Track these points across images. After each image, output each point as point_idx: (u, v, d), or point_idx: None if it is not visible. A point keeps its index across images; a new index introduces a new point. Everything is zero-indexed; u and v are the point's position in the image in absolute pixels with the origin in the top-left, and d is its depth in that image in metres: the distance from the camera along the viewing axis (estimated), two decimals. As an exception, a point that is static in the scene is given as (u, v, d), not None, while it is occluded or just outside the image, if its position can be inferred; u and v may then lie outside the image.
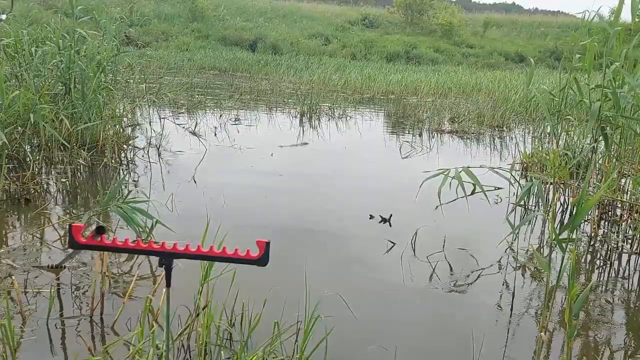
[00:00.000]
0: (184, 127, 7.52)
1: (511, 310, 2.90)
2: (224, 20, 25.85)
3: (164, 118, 7.71)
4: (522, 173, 5.77)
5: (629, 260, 3.73)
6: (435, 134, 8.44)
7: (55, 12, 7.07)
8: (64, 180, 4.77)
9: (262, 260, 1.36)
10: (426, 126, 9.06)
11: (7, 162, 4.41)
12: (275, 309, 2.45)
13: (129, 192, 4.28)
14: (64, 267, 2.97)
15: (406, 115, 10.31)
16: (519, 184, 4.81)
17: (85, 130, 5.36)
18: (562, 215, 4.62)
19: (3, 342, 2.05)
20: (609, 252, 3.91)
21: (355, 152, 6.99)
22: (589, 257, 3.85)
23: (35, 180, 4.47)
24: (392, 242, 3.72)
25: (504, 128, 9.11)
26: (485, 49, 26.63)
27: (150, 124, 6.89)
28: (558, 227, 3.32)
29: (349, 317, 2.65)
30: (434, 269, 3.35)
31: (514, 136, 8.58)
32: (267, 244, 1.36)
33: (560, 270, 2.48)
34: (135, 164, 5.51)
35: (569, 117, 5.03)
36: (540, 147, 6.04)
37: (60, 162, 5.19)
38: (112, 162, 5.36)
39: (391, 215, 4.17)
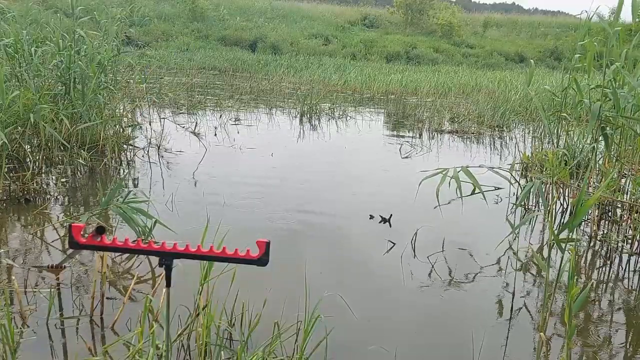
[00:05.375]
0: (184, 127, 7.52)
1: (511, 310, 2.90)
2: (224, 20, 25.82)
3: (164, 118, 7.71)
4: (522, 173, 5.77)
5: (629, 260, 3.73)
6: (435, 134, 8.43)
7: (55, 12, 7.07)
8: (64, 180, 4.77)
9: (262, 260, 1.36)
10: (426, 126, 9.06)
11: (7, 162, 4.41)
12: (275, 309, 2.45)
13: (129, 192, 4.28)
14: (64, 267, 2.97)
15: (406, 115, 10.31)
16: (519, 184, 4.82)
17: (85, 130, 5.36)
18: (562, 216, 4.62)
19: (3, 342, 2.05)
20: (609, 252, 3.91)
21: (355, 152, 6.99)
22: (589, 257, 3.85)
23: (35, 180, 4.47)
24: (392, 242, 3.72)
25: (504, 128, 9.11)
26: (485, 49, 26.58)
27: (150, 124, 6.89)
28: (558, 227, 3.32)
29: (349, 317, 2.65)
30: (433, 269, 3.35)
31: (514, 136, 8.58)
32: (267, 244, 1.36)
33: (559, 270, 2.49)
34: (135, 164, 5.51)
35: (564, 115, 5.01)
36: (541, 148, 6.04)
37: (60, 162, 5.19)
38: (112, 162, 5.36)
39: (391, 215, 4.17)
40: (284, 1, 31.49)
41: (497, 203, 4.78)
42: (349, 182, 5.45)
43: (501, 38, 29.52)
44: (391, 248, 3.65)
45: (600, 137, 4.31)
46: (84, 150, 5.20)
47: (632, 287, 3.36)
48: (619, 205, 4.47)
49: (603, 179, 4.40)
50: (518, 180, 5.03)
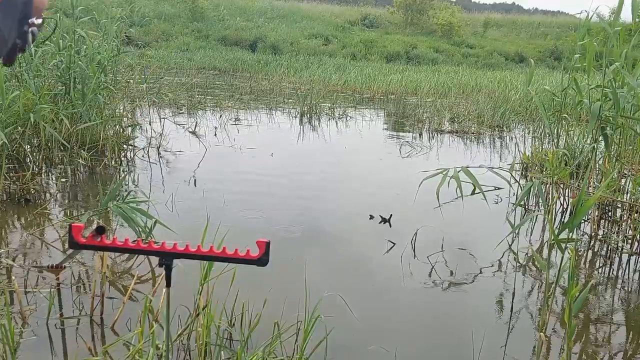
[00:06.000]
0: (184, 127, 7.52)
1: (511, 310, 2.90)
2: (224, 20, 25.82)
3: (164, 118, 7.71)
4: (522, 173, 5.77)
5: (629, 260, 3.73)
6: (435, 134, 8.44)
7: (55, 12, 7.06)
8: (64, 180, 4.77)
9: (262, 260, 1.36)
10: (426, 126, 9.06)
11: (7, 162, 4.41)
12: (275, 309, 2.45)
13: (129, 192, 4.28)
14: (64, 267, 2.97)
15: (406, 115, 10.31)
16: (519, 184, 4.82)
17: (85, 130, 5.36)
18: (562, 216, 4.62)
19: (3, 342, 2.05)
20: (609, 252, 3.91)
21: (355, 152, 6.99)
22: (589, 257, 3.85)
23: (35, 180, 4.47)
24: (392, 242, 3.72)
25: (504, 128, 9.11)
26: (485, 49, 26.60)
27: (150, 124, 6.90)
28: (558, 227, 3.32)
29: (349, 317, 2.65)
30: (434, 269, 3.35)
31: (514, 136, 8.58)
32: (267, 244, 1.35)
33: (559, 270, 2.48)
34: (135, 164, 5.51)
35: (565, 115, 5.01)
36: (541, 148, 6.04)
37: (60, 162, 5.19)
38: (112, 162, 5.36)
39: (391, 215, 4.17)
40: (284, 1, 31.49)
41: (497, 203, 4.78)
42: (349, 182, 5.45)
43: (501, 38, 29.55)
44: (391, 248, 3.65)
45: (600, 137, 4.31)
46: (84, 150, 5.20)
47: (632, 287, 3.36)
48: (619, 205, 4.47)
49: (603, 179, 4.40)
50: (518, 180, 5.03)
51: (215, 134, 7.20)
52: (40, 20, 0.80)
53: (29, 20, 0.77)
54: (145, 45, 17.76)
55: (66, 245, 3.27)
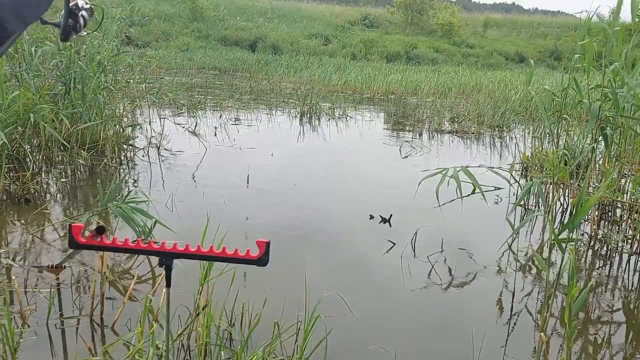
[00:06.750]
0: (184, 127, 7.52)
1: (511, 310, 2.90)
2: (224, 20, 25.83)
3: (164, 118, 7.71)
4: (522, 173, 5.77)
5: (629, 260, 3.73)
6: (435, 134, 8.44)
7: (55, 12, 7.06)
8: (64, 180, 4.77)
9: (262, 260, 1.36)
10: (426, 126, 9.06)
11: (7, 162, 4.40)
12: (275, 309, 2.45)
13: (129, 192, 4.28)
14: (64, 267, 2.97)
15: (406, 115, 10.31)
16: (519, 184, 4.82)
17: (85, 130, 5.36)
18: (562, 216, 4.62)
19: (3, 342, 2.05)
20: (609, 252, 3.91)
21: (355, 152, 6.99)
22: (589, 257, 3.85)
23: (35, 180, 4.47)
24: (392, 242, 3.72)
25: (504, 128, 9.11)
26: (485, 49, 26.59)
27: (150, 124, 6.89)
28: (558, 227, 3.32)
29: (349, 317, 2.65)
30: (433, 269, 3.35)
31: (514, 136, 8.58)
32: (267, 244, 1.35)
33: (559, 270, 2.49)
34: (135, 164, 5.51)
35: (566, 116, 5.01)
36: (541, 148, 6.04)
37: (60, 162, 5.19)
38: (112, 162, 5.36)
39: (391, 215, 4.17)
40: (284, 1, 31.50)
41: (497, 203, 4.78)
42: (349, 182, 5.45)
43: (501, 38, 29.54)
44: (391, 248, 3.65)
45: (600, 137, 4.31)
46: (84, 150, 5.20)
47: (632, 287, 3.36)
48: (619, 205, 4.47)
49: (603, 179, 4.40)
50: (518, 180, 5.03)
51: (215, 134, 7.20)
52: (88, 6, 0.84)
53: (79, 4, 0.81)
54: (145, 45, 17.75)
55: (66, 245, 3.28)
